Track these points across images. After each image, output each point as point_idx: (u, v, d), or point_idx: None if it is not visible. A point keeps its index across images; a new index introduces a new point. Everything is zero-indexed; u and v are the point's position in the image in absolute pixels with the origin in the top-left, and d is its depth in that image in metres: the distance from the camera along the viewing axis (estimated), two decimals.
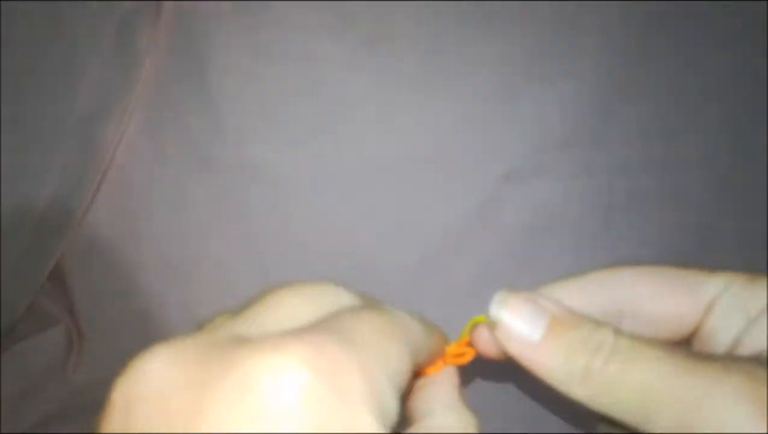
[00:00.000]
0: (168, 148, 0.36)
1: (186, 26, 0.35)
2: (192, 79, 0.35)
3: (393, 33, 0.34)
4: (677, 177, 0.34)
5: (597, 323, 0.22)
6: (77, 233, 0.36)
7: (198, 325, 0.21)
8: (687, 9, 0.33)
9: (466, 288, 0.35)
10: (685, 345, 0.24)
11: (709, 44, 0.34)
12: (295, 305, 0.20)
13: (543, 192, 0.35)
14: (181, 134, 0.36)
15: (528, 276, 0.34)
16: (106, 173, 0.36)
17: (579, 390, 0.21)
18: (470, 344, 0.25)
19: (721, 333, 0.23)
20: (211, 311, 0.22)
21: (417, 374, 0.24)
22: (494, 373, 0.33)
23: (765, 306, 0.22)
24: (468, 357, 0.25)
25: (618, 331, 0.21)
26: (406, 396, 0.24)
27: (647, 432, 0.20)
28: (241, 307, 0.20)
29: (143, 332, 0.36)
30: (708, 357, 0.20)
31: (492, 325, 0.23)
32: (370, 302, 0.22)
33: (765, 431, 0.18)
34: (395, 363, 0.20)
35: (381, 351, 0.19)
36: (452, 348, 0.25)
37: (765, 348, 0.21)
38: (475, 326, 0.25)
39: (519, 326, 0.22)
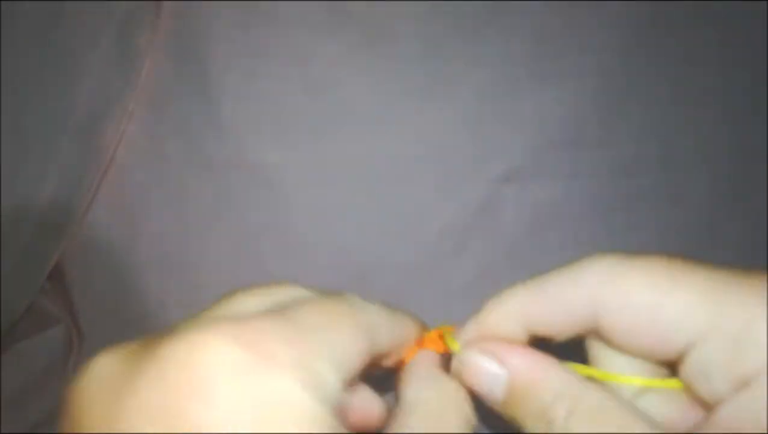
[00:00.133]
0: (168, 147, 0.36)
1: (186, 26, 0.35)
2: (192, 80, 0.35)
3: (393, 33, 0.34)
4: (677, 177, 0.34)
5: (557, 391, 0.21)
6: (77, 233, 0.36)
7: None
8: (687, 9, 0.33)
9: (466, 288, 0.35)
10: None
11: (709, 44, 0.34)
12: (243, 301, 0.21)
13: (543, 192, 0.34)
14: (181, 134, 0.36)
15: (528, 276, 0.33)
16: (106, 173, 0.36)
17: None
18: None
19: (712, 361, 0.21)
20: None
21: (399, 365, 0.25)
22: None
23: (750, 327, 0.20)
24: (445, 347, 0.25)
25: (579, 399, 0.21)
26: (396, 385, 0.24)
27: None
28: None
29: (143, 332, 0.36)
30: None
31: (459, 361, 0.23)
32: (330, 296, 0.22)
33: None
34: (339, 342, 0.20)
35: (321, 327, 0.20)
36: (431, 335, 0.25)
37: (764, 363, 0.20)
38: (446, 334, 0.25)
39: (481, 381, 0.23)
